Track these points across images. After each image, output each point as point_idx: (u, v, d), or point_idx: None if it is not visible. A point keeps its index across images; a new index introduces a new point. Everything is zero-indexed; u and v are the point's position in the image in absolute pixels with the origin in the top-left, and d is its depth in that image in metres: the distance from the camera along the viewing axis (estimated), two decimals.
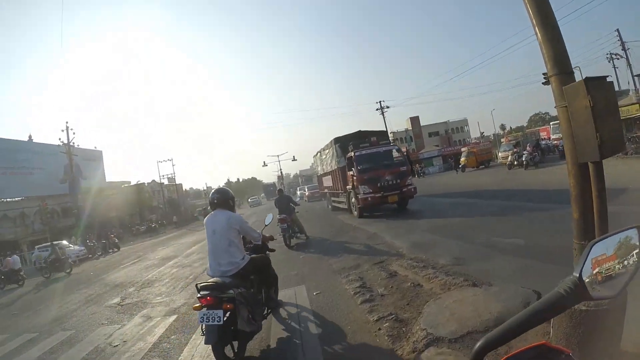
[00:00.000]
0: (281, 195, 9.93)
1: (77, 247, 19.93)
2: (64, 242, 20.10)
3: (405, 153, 12.06)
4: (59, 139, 25.39)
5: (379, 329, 3.37)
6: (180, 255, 11.85)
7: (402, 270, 5.08)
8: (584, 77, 1.91)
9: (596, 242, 0.55)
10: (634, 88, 20.15)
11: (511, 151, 21.45)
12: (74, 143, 25.78)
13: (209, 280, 3.14)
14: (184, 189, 57.84)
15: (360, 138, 12.64)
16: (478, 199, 11.39)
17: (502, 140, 35.71)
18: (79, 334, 5.10)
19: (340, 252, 7.24)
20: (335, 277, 5.52)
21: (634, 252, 0.55)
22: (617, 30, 23.53)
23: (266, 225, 4.82)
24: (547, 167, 16.45)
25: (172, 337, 4.30)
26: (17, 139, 31.19)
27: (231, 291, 3.03)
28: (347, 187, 12.17)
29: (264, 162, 46.61)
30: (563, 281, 0.54)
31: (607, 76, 1.97)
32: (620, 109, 19.87)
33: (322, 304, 4.45)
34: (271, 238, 4.32)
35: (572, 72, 2.15)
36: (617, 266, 0.55)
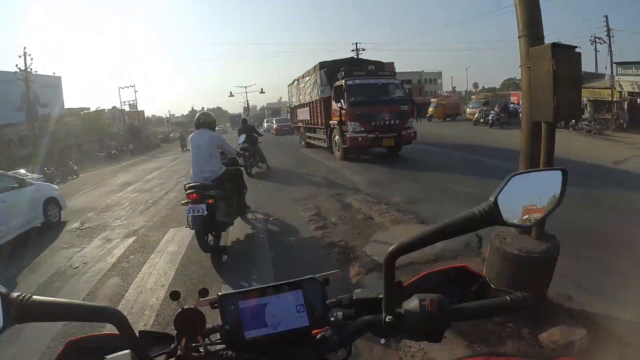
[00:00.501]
0: (244, 125, 9.76)
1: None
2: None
3: (408, 90, 10.28)
4: (16, 65, 23.79)
5: (329, 254, 3.67)
6: (140, 181, 11.60)
7: (356, 203, 5.38)
8: (552, 43, 1.95)
9: (517, 174, 0.57)
10: (610, 74, 20.81)
11: (479, 109, 21.76)
12: (31, 69, 24.20)
13: (194, 183, 3.86)
14: (145, 116, 55.44)
15: (353, 65, 10.74)
16: (439, 147, 11.74)
17: (473, 97, 36.05)
18: (39, 259, 4.99)
19: (299, 183, 7.45)
20: (293, 205, 5.75)
21: (554, 192, 0.58)
22: (606, 16, 23.21)
23: (240, 144, 6.21)
24: (511, 130, 17.23)
25: (131, 257, 4.40)
26: None
27: (212, 191, 3.81)
28: (331, 122, 10.22)
29: (231, 92, 47.90)
30: (480, 204, 0.57)
31: (576, 47, 2.03)
32: (593, 90, 20.46)
33: (278, 228, 4.73)
34: (243, 154, 5.37)
35: (542, 37, 2.19)
36: (535, 201, 0.58)
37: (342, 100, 9.24)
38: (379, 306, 0.60)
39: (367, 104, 9.16)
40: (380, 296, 0.61)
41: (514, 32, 2.27)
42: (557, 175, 0.58)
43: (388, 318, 0.57)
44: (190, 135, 4.40)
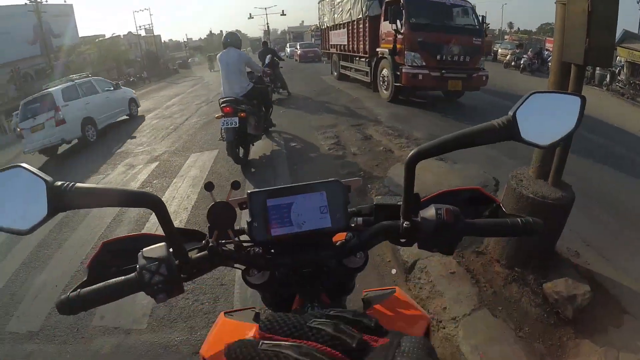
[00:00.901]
0: (265, 48, 9.37)
1: None
2: None
3: (483, 20, 7.55)
4: None
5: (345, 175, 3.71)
6: (160, 107, 11.61)
7: (377, 135, 5.25)
8: None
9: (538, 92, 0.57)
10: None
11: (512, 51, 19.93)
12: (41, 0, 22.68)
13: (228, 97, 4.20)
14: (162, 41, 53.52)
15: None
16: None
17: (506, 37, 33.22)
18: None
19: (320, 111, 7.25)
20: (313, 132, 5.69)
21: (572, 117, 0.57)
22: None
23: (266, 64, 6.18)
24: (542, 77, 15.53)
25: (155, 181, 4.58)
26: None
27: (243, 106, 4.17)
28: (379, 49, 7.82)
29: (250, 14, 44.43)
30: (500, 118, 0.57)
31: None
32: (632, 52, 17.37)
33: (298, 154, 4.75)
34: (269, 73, 5.46)
35: None
36: (552, 123, 0.58)
37: (398, 21, 6.86)
38: (398, 214, 0.63)
39: (433, 29, 6.87)
40: (399, 203, 0.63)
41: None
42: (575, 101, 0.58)
43: (405, 224, 0.61)
44: (219, 55, 4.57)
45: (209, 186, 0.62)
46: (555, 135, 0.58)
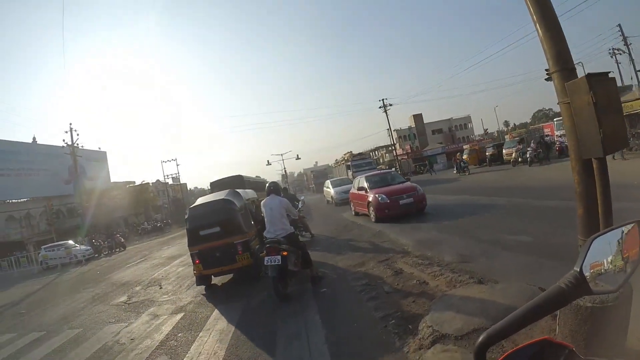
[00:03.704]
0: (286, 194, 8.51)
1: (83, 247, 20.15)
2: (70, 242, 20.33)
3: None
4: (63, 140, 25.54)
5: (385, 326, 3.38)
6: (186, 254, 11.78)
7: (407, 267, 5.09)
8: (586, 73, 1.91)
9: (597, 237, 0.56)
10: (637, 83, 19.90)
11: (515, 147, 21.24)
12: (78, 144, 25.91)
13: (270, 239, 4.81)
14: (188, 189, 58.56)
15: None
16: (483, 196, 11.19)
17: (506, 137, 35.07)
18: (86, 332, 5.14)
19: (345, 249, 7.26)
20: (341, 274, 5.54)
21: (636, 247, 0.55)
22: (619, 25, 23.37)
23: (300, 207, 7.53)
24: (552, 164, 16.39)
25: (179, 334, 4.35)
26: (22, 141, 31.73)
27: (284, 245, 4.75)
28: None
29: (268, 161, 47.25)
30: (564, 276, 0.55)
31: (609, 72, 1.97)
32: (623, 104, 19.42)
33: (329, 302, 4.49)
34: (303, 216, 7.03)
35: (574, 68, 2.14)
36: (618, 261, 0.55)
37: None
38: None
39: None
40: None
41: (536, 64, 2.24)
42: (633, 228, 0.56)
43: None
44: (263, 201, 5.30)
45: None
46: (625, 273, 0.55)
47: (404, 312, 3.59)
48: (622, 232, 0.57)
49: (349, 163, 26.40)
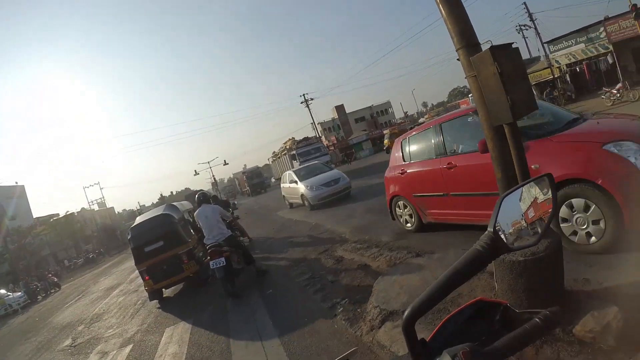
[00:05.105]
0: (216, 201, 7.88)
1: (17, 294, 17.61)
2: (2, 291, 17.93)
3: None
4: None
5: (335, 315, 3.39)
6: (124, 282, 11.02)
7: (347, 254, 5.17)
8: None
9: (506, 196, 0.56)
10: (543, 54, 22.57)
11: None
12: None
13: (211, 244, 5.10)
14: (116, 212, 54.39)
15: None
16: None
17: (425, 117, 35.75)
18: None
19: (285, 247, 7.14)
20: (285, 271, 5.49)
21: (547, 199, 0.56)
22: (524, 3, 25.47)
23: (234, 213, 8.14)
24: None
25: None
26: None
27: (225, 248, 5.09)
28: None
29: (195, 171, 43.75)
30: (480, 238, 0.55)
31: (512, 43, 2.11)
32: (533, 74, 21.88)
33: (277, 302, 4.42)
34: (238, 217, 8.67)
35: (478, 44, 2.25)
36: (533, 215, 0.56)
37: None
38: None
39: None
40: None
41: (446, 45, 2.33)
42: (543, 182, 0.57)
43: None
44: (196, 212, 5.52)
45: None
46: (540, 226, 0.56)
47: (351, 298, 3.63)
48: (533, 186, 0.59)
49: (294, 152, 22.69)
